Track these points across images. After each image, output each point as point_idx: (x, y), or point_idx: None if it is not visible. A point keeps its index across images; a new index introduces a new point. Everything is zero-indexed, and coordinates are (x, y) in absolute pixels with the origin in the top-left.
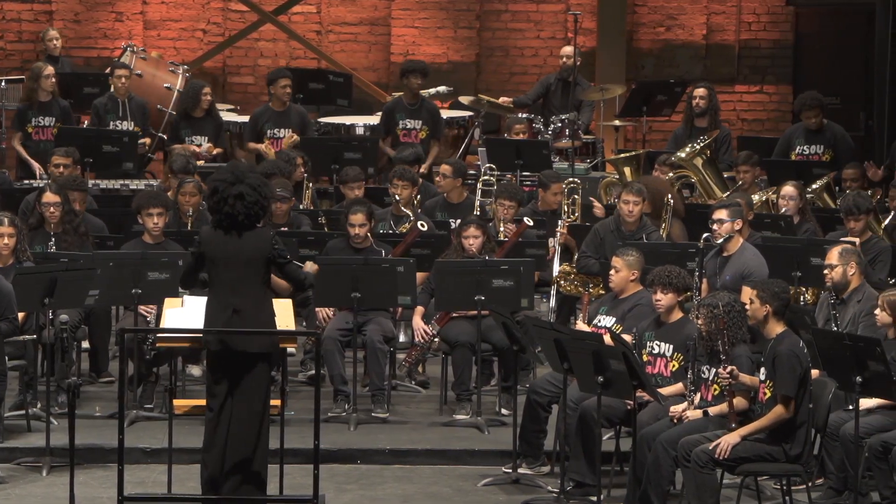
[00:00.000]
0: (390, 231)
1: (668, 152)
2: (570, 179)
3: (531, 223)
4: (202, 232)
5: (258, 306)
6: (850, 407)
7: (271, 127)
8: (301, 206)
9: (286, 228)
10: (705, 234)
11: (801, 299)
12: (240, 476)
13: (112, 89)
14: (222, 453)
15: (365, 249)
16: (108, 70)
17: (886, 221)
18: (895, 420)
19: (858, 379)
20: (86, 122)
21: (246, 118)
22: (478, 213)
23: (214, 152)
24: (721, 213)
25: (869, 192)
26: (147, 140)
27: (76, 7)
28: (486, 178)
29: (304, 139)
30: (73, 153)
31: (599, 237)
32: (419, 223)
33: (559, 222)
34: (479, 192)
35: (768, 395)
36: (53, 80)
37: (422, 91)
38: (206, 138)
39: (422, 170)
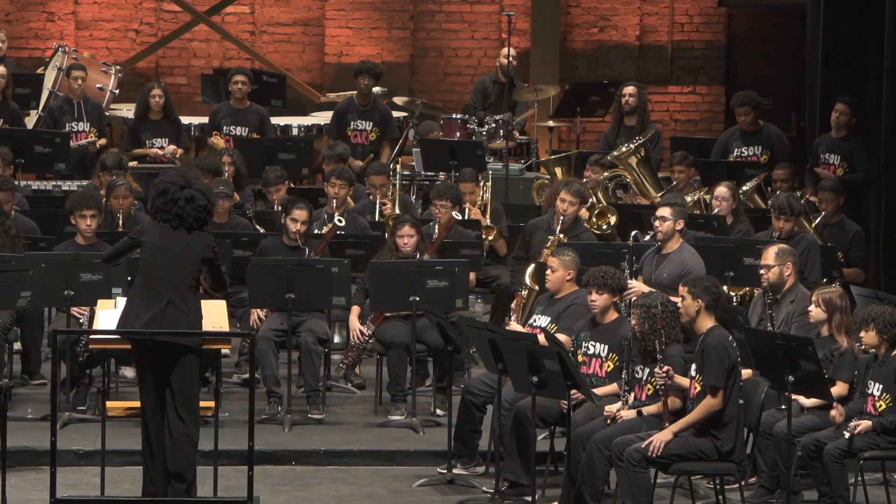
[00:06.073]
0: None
1: (600, 152)
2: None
3: (459, 216)
4: (146, 223)
5: (189, 302)
6: (784, 406)
7: (227, 123)
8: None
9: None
10: (634, 232)
11: (735, 299)
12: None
13: (67, 91)
14: (163, 453)
15: (297, 249)
16: (40, 70)
17: (816, 221)
18: (826, 419)
19: (791, 378)
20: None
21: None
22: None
23: (179, 153)
24: (664, 211)
25: (798, 192)
26: (103, 141)
27: (7, 7)
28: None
29: (237, 139)
30: (3, 154)
31: (527, 237)
32: (336, 220)
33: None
34: (407, 192)
35: (698, 389)
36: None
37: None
38: (167, 140)
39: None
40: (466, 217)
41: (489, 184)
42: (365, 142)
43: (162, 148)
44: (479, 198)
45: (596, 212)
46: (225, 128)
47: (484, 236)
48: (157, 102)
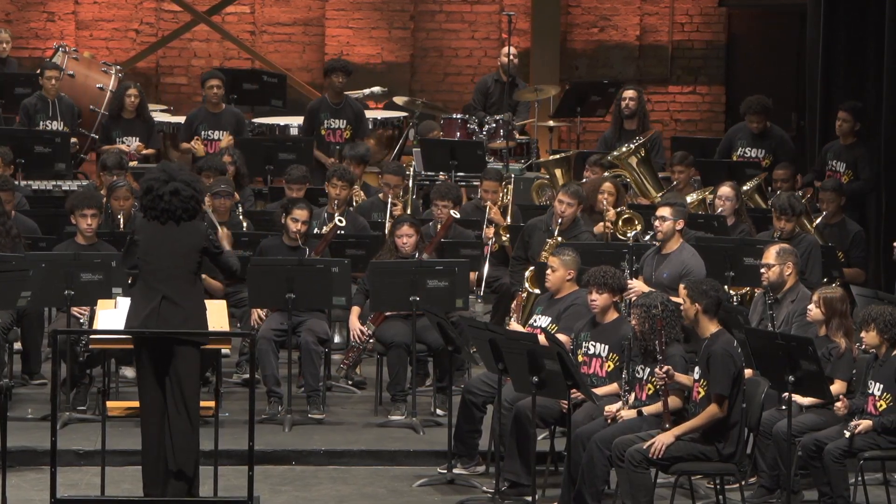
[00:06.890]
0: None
1: (599, 153)
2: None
3: (457, 215)
4: (138, 220)
5: (187, 295)
6: (784, 406)
7: (205, 128)
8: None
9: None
10: (634, 232)
11: (735, 299)
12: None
13: (42, 89)
14: (163, 451)
15: (297, 249)
16: (38, 70)
17: (818, 221)
18: (827, 419)
19: (791, 378)
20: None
21: (179, 119)
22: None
23: (144, 152)
24: (664, 211)
25: (800, 192)
26: (76, 140)
27: (7, 7)
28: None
29: (238, 139)
30: (3, 154)
31: (526, 238)
32: (336, 220)
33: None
34: (413, 192)
35: (702, 394)
36: None
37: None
38: (136, 139)
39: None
40: (486, 216)
41: (511, 187)
42: (339, 140)
43: (129, 145)
44: (500, 198)
45: (624, 217)
46: (203, 132)
47: (504, 237)
48: (132, 102)
